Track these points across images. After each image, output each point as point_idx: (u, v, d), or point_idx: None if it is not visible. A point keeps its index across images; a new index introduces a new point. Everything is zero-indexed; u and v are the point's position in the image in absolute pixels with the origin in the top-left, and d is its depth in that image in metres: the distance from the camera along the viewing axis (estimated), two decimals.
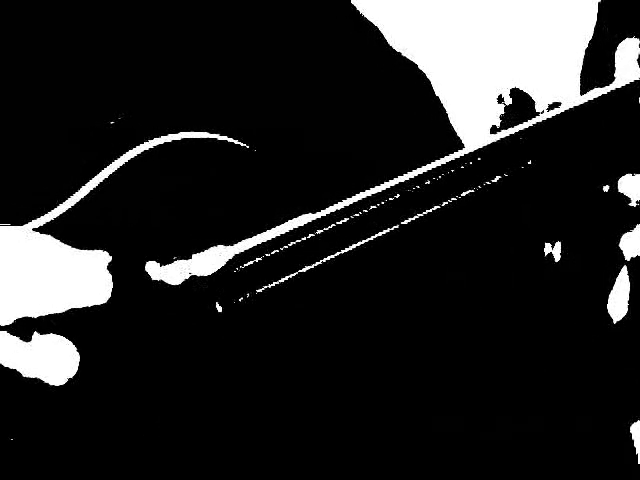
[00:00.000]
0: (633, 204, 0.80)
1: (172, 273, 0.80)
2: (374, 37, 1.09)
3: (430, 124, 1.06)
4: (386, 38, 1.12)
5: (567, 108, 0.84)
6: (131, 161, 0.85)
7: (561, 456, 0.96)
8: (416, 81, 1.09)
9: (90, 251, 0.79)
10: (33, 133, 0.95)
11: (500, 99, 0.89)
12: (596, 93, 0.84)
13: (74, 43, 0.98)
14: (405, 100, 1.08)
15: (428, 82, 1.08)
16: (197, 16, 1.00)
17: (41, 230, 0.83)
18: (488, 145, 0.82)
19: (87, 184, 0.86)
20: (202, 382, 0.81)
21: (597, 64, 0.98)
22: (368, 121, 1.01)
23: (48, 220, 0.84)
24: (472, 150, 0.82)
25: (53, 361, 0.75)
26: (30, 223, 0.84)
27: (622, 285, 0.86)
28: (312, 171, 0.93)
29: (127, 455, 0.78)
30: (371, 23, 1.09)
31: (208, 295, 0.79)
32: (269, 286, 0.80)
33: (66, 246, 0.79)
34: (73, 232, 0.83)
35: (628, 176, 0.81)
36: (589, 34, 1.20)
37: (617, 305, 0.87)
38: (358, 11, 1.08)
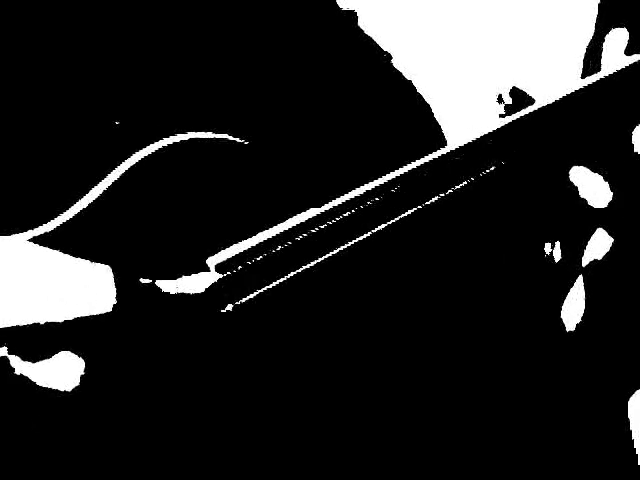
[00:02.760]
0: (595, 204, 0.80)
1: (179, 279, 0.81)
2: (369, 36, 1.09)
3: (423, 124, 1.06)
4: (384, 37, 1.12)
5: (555, 99, 0.84)
6: (136, 165, 0.86)
7: (560, 456, 0.96)
8: (410, 80, 1.10)
9: (91, 261, 0.80)
10: (34, 138, 0.96)
11: (500, 99, 0.89)
12: (583, 82, 0.83)
13: (73, 44, 0.98)
14: (399, 97, 1.08)
15: (425, 82, 1.08)
16: (189, 17, 1.01)
17: (44, 238, 0.83)
18: (478, 139, 0.82)
19: (90, 192, 0.86)
20: (207, 382, 0.81)
21: (596, 63, 0.98)
22: (361, 119, 1.01)
23: (52, 228, 0.85)
24: (460, 145, 0.83)
25: (57, 368, 0.76)
26: (32, 231, 0.84)
27: (578, 292, 0.86)
28: (307, 168, 0.94)
29: (132, 457, 0.79)
30: (367, 22, 1.10)
31: (216, 296, 0.80)
32: (272, 284, 0.81)
33: (67, 256, 0.80)
34: (75, 240, 0.83)
35: (599, 178, 0.80)
36: (589, 34, 1.20)
37: (571, 312, 0.87)
38: (354, 10, 1.08)
